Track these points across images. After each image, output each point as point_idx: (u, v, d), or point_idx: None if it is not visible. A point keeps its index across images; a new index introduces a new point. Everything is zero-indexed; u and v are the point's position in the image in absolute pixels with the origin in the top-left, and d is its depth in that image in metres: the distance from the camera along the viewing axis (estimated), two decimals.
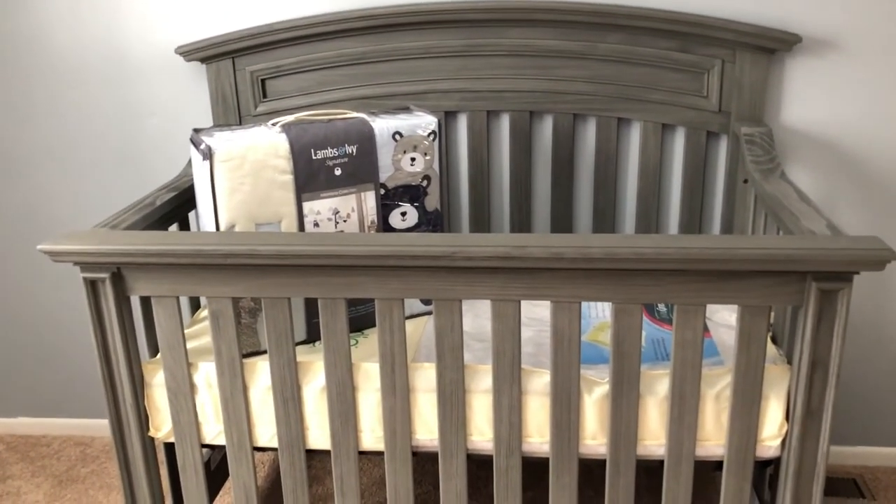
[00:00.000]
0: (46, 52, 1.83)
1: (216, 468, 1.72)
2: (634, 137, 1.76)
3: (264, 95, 1.78)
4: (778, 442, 1.27)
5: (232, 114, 1.78)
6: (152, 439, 1.42)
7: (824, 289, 1.14)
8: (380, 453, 1.37)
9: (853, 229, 1.74)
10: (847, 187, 1.73)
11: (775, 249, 1.12)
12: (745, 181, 1.65)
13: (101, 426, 2.15)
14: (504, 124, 1.78)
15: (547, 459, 1.33)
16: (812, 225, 1.21)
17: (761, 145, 1.57)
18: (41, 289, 2.04)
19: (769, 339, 1.39)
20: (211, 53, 1.73)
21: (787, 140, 1.71)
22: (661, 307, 1.58)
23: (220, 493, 1.84)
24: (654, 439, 1.31)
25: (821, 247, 1.12)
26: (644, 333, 1.47)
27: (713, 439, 1.30)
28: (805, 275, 1.15)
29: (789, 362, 1.32)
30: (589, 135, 1.77)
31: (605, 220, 1.79)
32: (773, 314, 1.49)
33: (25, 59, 1.85)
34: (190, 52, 1.74)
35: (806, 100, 1.69)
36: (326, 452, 1.39)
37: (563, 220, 1.81)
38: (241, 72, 1.75)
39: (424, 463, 1.85)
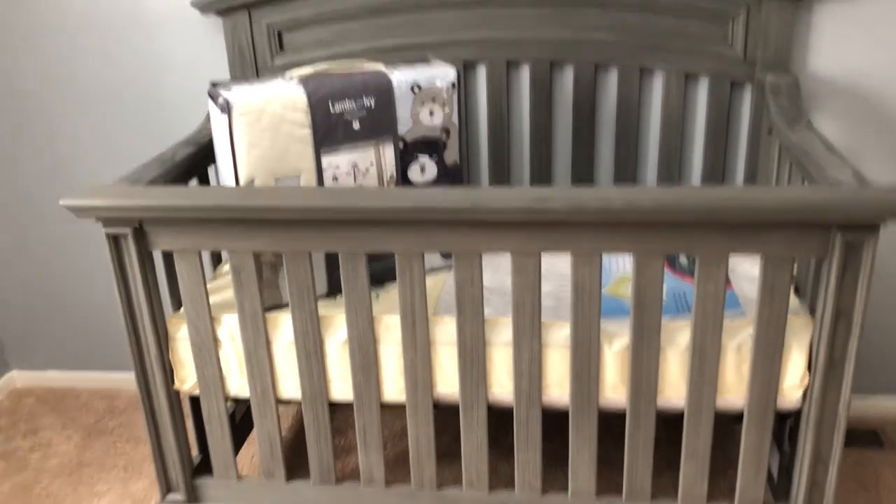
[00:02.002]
0: (63, 9, 1.82)
1: (241, 420, 1.76)
2: (657, 87, 1.73)
3: (281, 48, 1.76)
4: (799, 393, 1.27)
5: (249, 67, 1.76)
6: (177, 392, 1.44)
7: (849, 240, 1.13)
8: (401, 405, 1.39)
9: (881, 180, 1.71)
10: (874, 137, 1.70)
11: (800, 200, 1.11)
12: (770, 131, 1.62)
13: (127, 380, 2.18)
14: (524, 75, 1.76)
15: (567, 411, 1.34)
16: (838, 175, 1.19)
17: (787, 94, 1.54)
18: (67, 244, 2.06)
19: (792, 291, 1.38)
20: (227, 6, 1.71)
21: (813, 89, 1.67)
22: (683, 259, 1.57)
23: (245, 444, 1.88)
24: (674, 391, 1.31)
25: (847, 197, 1.10)
26: (665, 286, 1.47)
27: (733, 391, 1.30)
28: (830, 226, 1.13)
29: (812, 313, 1.31)
30: (611, 85, 1.74)
31: (627, 171, 1.77)
32: (796, 265, 1.47)
33: (43, 17, 1.84)
34: (206, 5, 1.72)
35: (833, 47, 1.64)
36: (349, 405, 1.40)
37: (583, 173, 1.79)
38: (258, 24, 1.73)
39: (445, 415, 1.86)
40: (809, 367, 1.26)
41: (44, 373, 2.24)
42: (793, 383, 1.27)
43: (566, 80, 1.75)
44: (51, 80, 1.90)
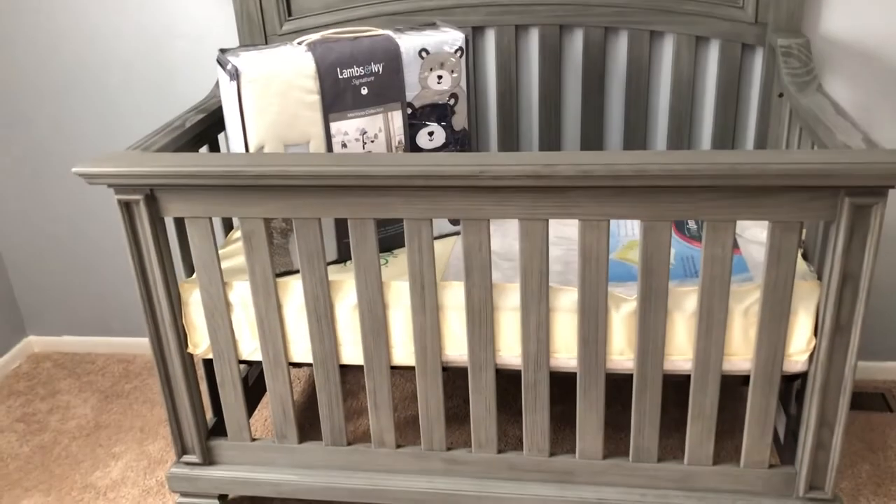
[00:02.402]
0: None
1: (254, 383, 1.78)
2: (667, 51, 1.72)
3: (289, 13, 1.75)
4: (805, 357, 1.28)
5: (258, 33, 1.76)
6: (191, 356, 1.46)
7: (858, 204, 1.13)
8: (411, 368, 1.41)
9: (893, 144, 1.70)
10: (886, 100, 1.68)
11: (808, 164, 1.10)
12: (781, 95, 1.61)
13: (141, 344, 2.22)
14: (533, 39, 1.75)
15: (575, 374, 1.35)
16: (848, 139, 1.19)
17: (798, 57, 1.52)
18: (82, 211, 2.08)
19: (799, 255, 1.38)
20: None
21: (825, 51, 1.66)
22: (691, 224, 1.57)
23: (258, 406, 1.91)
24: (680, 354, 1.32)
25: (855, 161, 1.10)
26: (673, 251, 1.48)
27: (740, 354, 1.31)
28: (838, 189, 1.13)
29: (819, 278, 1.32)
30: (620, 49, 1.73)
31: (637, 136, 1.76)
32: (804, 230, 1.47)
33: None
34: None
35: (846, 9, 1.62)
36: (359, 367, 1.42)
37: (593, 138, 1.78)
38: None
39: (455, 378, 1.89)
40: (816, 331, 1.26)
41: (60, 338, 2.28)
42: (799, 347, 1.27)
43: (575, 44, 1.74)
44: (61, 48, 1.90)
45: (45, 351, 2.29)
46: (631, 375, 1.34)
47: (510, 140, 1.81)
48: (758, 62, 1.69)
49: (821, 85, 1.44)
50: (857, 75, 1.67)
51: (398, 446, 1.47)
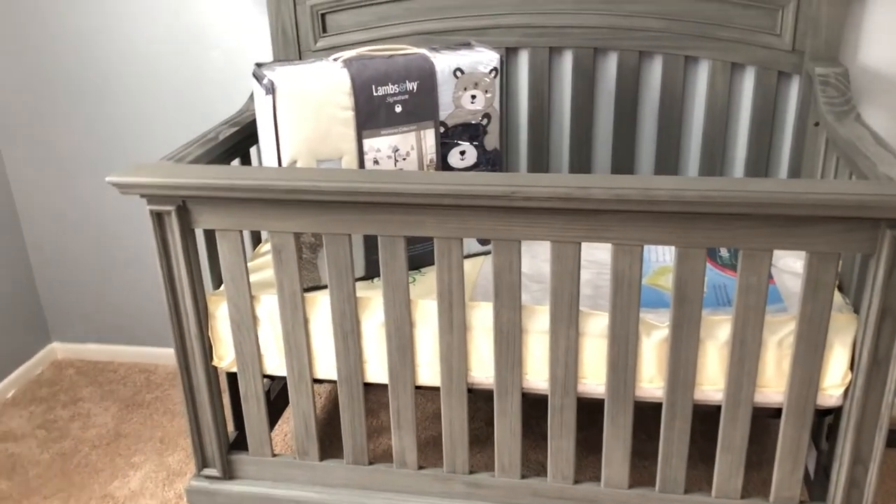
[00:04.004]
0: None
1: (275, 398, 1.78)
2: (702, 77, 1.71)
3: (324, 30, 1.76)
4: (840, 391, 1.25)
5: (292, 48, 1.77)
6: (215, 368, 1.46)
7: None
8: (435, 388, 1.39)
9: None
10: None
11: (849, 195, 1.08)
12: (817, 124, 1.59)
13: (164, 355, 2.22)
14: (567, 61, 1.74)
15: (601, 400, 1.33)
16: (889, 170, 1.17)
17: (836, 86, 1.51)
18: (109, 220, 2.10)
19: (835, 287, 1.36)
20: None
21: (863, 81, 1.64)
22: (724, 252, 1.55)
23: (279, 422, 1.91)
24: (711, 384, 1.30)
25: None
26: (706, 278, 1.45)
27: (773, 386, 1.28)
28: (879, 221, 1.11)
29: (855, 311, 1.29)
30: (655, 73, 1.72)
31: (668, 162, 1.75)
32: (840, 262, 1.45)
33: None
34: None
35: (886, 39, 1.60)
36: (382, 386, 1.41)
37: (624, 163, 1.77)
38: (302, 6, 1.74)
39: (476, 401, 1.87)
40: (852, 366, 1.24)
41: (84, 345, 2.29)
42: (834, 381, 1.25)
43: (609, 68, 1.73)
44: (96, 59, 1.92)
45: (67, 358, 2.30)
46: (658, 404, 1.32)
47: (540, 161, 1.80)
48: (794, 90, 1.67)
49: (859, 115, 1.42)
50: (892, 106, 1.65)
51: (420, 467, 1.46)
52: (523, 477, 1.42)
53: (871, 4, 1.59)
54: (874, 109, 1.65)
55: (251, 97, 1.69)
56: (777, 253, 1.52)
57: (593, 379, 1.33)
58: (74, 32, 1.90)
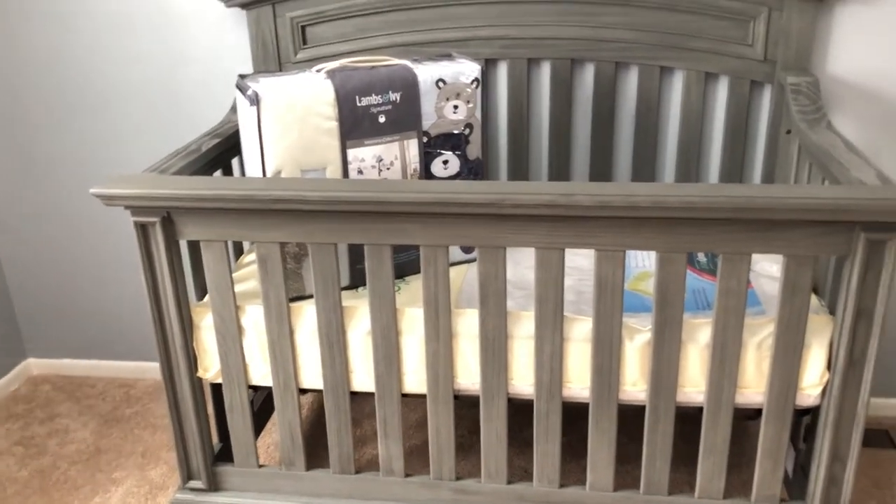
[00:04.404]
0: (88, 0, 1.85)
1: (259, 408, 1.77)
2: (677, 86, 1.74)
3: (304, 42, 1.77)
4: (818, 391, 1.28)
5: (272, 60, 1.78)
6: (200, 380, 1.46)
7: (873, 239, 1.14)
8: (421, 396, 1.40)
9: None
10: (891, 140, 1.71)
11: (825, 199, 1.12)
12: (789, 132, 1.63)
13: (143, 369, 2.20)
14: (545, 72, 1.77)
15: (585, 404, 1.35)
16: (862, 175, 1.21)
17: (807, 95, 1.55)
18: (85, 234, 2.08)
19: None
20: None
21: (833, 90, 1.68)
22: (702, 257, 1.58)
23: (262, 432, 1.90)
24: (693, 386, 1.32)
25: (872, 196, 1.11)
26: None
27: (753, 387, 1.31)
28: (853, 225, 1.15)
29: (831, 312, 1.33)
30: (630, 84, 1.75)
31: (645, 170, 1.78)
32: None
33: (68, 5, 1.85)
34: None
35: (854, 49, 1.65)
36: (366, 395, 1.42)
37: (602, 171, 1.80)
38: (282, 18, 1.75)
39: (459, 408, 1.88)
40: (829, 366, 1.27)
41: (60, 361, 2.26)
42: (812, 381, 1.28)
43: (586, 78, 1.76)
44: (76, 71, 1.91)
45: (44, 374, 2.27)
46: (640, 407, 1.34)
47: (520, 170, 1.82)
48: (766, 99, 1.71)
49: (830, 122, 1.47)
50: (862, 114, 1.70)
51: (407, 475, 1.46)
52: (509, 482, 1.43)
53: (839, 16, 1.64)
54: (843, 117, 1.70)
55: (233, 108, 1.69)
56: (754, 257, 1.56)
57: (578, 383, 1.34)
58: (55, 45, 1.89)
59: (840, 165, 1.26)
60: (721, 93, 1.73)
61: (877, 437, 1.88)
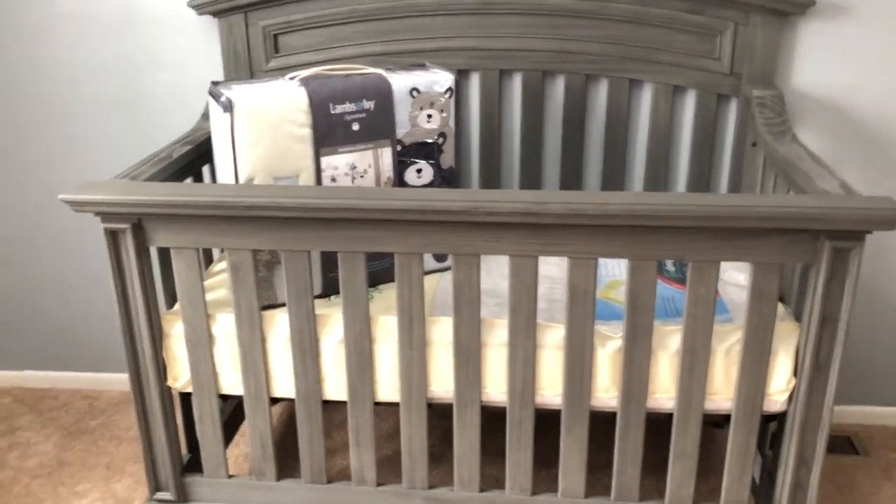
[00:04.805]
0: (59, 5, 1.82)
1: (228, 418, 1.75)
2: (645, 99, 1.77)
3: (276, 50, 1.77)
4: (785, 396, 1.31)
5: (243, 68, 1.77)
6: (169, 389, 1.44)
7: (837, 247, 1.17)
8: (393, 405, 1.40)
9: (862, 192, 1.76)
10: (855, 151, 1.76)
11: (791, 207, 1.14)
12: (754, 144, 1.67)
13: (108, 380, 2.17)
14: (516, 84, 1.79)
15: (557, 412, 1.36)
16: (826, 185, 1.24)
17: (772, 108, 1.59)
18: (46, 244, 2.04)
19: None
20: (223, 7, 1.72)
21: (797, 104, 1.73)
22: (670, 266, 1.60)
23: (231, 443, 1.88)
24: (664, 392, 1.34)
25: (836, 205, 1.14)
26: None
27: (721, 393, 1.33)
28: (819, 233, 1.17)
29: (797, 319, 1.35)
30: (600, 95, 1.78)
31: (615, 180, 1.81)
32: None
33: (38, 11, 1.83)
34: (202, 6, 1.73)
35: (817, 64, 1.70)
36: (337, 404, 1.41)
37: (572, 181, 1.82)
38: (254, 26, 1.74)
39: (431, 417, 1.88)
40: (795, 372, 1.30)
41: (21, 372, 2.21)
42: (780, 387, 1.30)
43: (557, 90, 1.79)
44: (45, 77, 1.89)
45: (4, 386, 2.22)
46: (610, 416, 1.36)
47: (492, 180, 1.83)
48: (732, 111, 1.75)
49: (795, 135, 1.50)
50: (826, 127, 1.74)
51: (379, 484, 1.46)
52: (482, 490, 1.43)
53: (802, 32, 1.68)
54: (807, 129, 1.74)
55: (204, 115, 1.68)
56: (722, 266, 1.58)
57: (550, 390, 1.35)
58: (24, 51, 1.87)
59: (805, 176, 1.29)
60: (689, 105, 1.77)
61: (839, 443, 1.92)
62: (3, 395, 2.18)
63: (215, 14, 1.74)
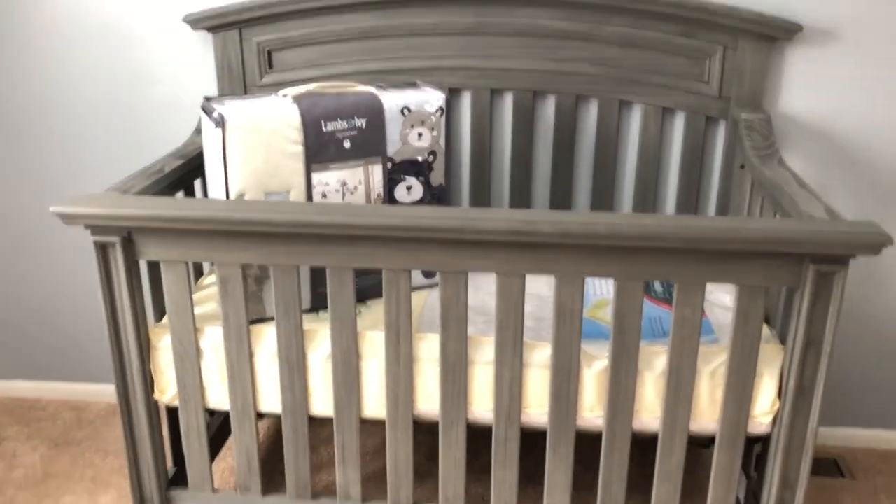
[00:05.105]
0: (53, 18, 1.83)
1: (215, 432, 1.75)
2: (635, 120, 1.79)
3: (270, 67, 1.79)
4: (770, 418, 1.32)
5: (237, 84, 1.78)
6: (156, 402, 1.44)
7: (821, 271, 1.18)
8: (379, 422, 1.40)
9: (847, 216, 1.78)
10: (841, 176, 1.78)
11: (776, 231, 1.16)
12: (742, 166, 1.68)
13: (96, 391, 2.16)
14: (507, 103, 1.81)
15: (542, 431, 1.36)
16: (811, 209, 1.25)
17: (760, 131, 1.60)
18: (35, 254, 2.04)
19: None
20: (218, 23, 1.74)
21: (784, 127, 1.75)
22: (658, 286, 1.61)
23: (217, 457, 1.87)
24: (649, 413, 1.35)
25: (820, 230, 1.15)
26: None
27: (707, 414, 1.34)
28: (803, 257, 1.19)
29: (782, 342, 1.36)
30: (591, 116, 1.80)
31: (604, 201, 1.82)
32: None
33: (32, 26, 1.84)
34: (197, 21, 1.74)
35: (804, 89, 1.72)
36: (323, 420, 1.41)
37: (562, 201, 1.83)
38: (248, 42, 1.76)
39: (416, 434, 1.88)
40: (780, 394, 1.30)
41: (9, 382, 2.21)
42: (764, 409, 1.31)
43: (548, 110, 1.80)
44: (39, 90, 1.89)
45: None
46: (595, 436, 1.36)
47: (482, 198, 1.85)
48: (721, 134, 1.77)
49: (782, 158, 1.52)
50: (812, 151, 1.76)
51: (364, 501, 1.46)
52: None
53: (790, 57, 1.70)
54: (794, 153, 1.76)
55: (197, 130, 1.69)
56: (708, 287, 1.59)
57: (536, 409, 1.36)
58: (18, 64, 1.87)
59: (791, 200, 1.30)
60: (678, 127, 1.79)
61: (825, 465, 1.92)
62: None
63: (210, 29, 1.75)
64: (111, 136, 1.91)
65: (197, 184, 1.63)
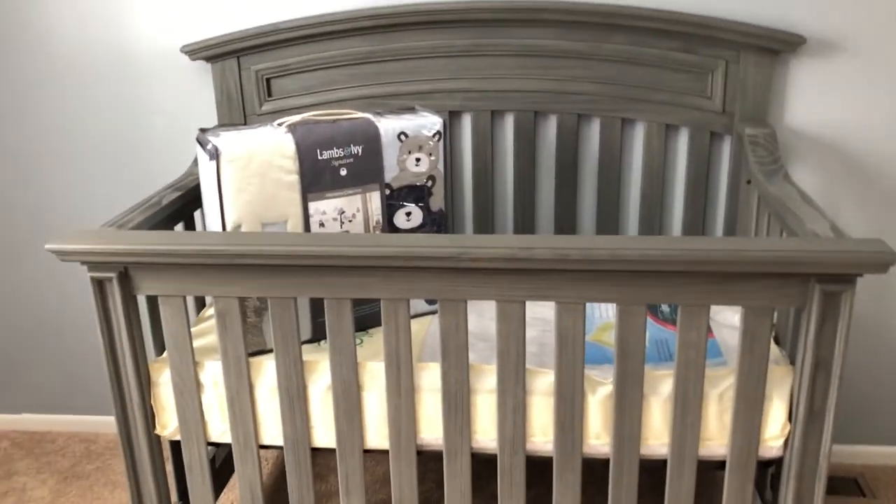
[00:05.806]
0: (51, 50, 1.84)
1: (221, 465, 1.73)
2: (638, 138, 1.77)
3: (269, 94, 1.78)
4: (780, 442, 1.28)
5: (237, 112, 1.78)
6: (158, 437, 1.42)
7: (828, 291, 1.15)
8: (383, 451, 1.38)
9: (855, 231, 1.75)
10: (849, 189, 1.74)
11: (780, 252, 1.13)
12: (749, 182, 1.65)
13: (105, 423, 2.16)
14: (508, 124, 1.79)
15: (550, 458, 1.34)
16: (816, 227, 1.22)
17: (765, 146, 1.58)
18: (46, 286, 2.05)
19: (771, 340, 1.40)
20: (216, 52, 1.74)
21: (789, 142, 1.72)
22: (665, 307, 1.58)
23: (225, 490, 1.86)
24: (657, 439, 1.31)
25: (825, 249, 1.12)
26: (647, 334, 1.48)
27: (716, 439, 1.30)
28: (809, 277, 1.16)
29: (792, 363, 1.33)
30: (593, 135, 1.78)
31: (609, 221, 1.80)
32: (775, 315, 1.49)
33: (31, 57, 1.85)
34: (195, 51, 1.74)
35: (809, 101, 1.69)
36: (330, 450, 1.39)
37: (566, 222, 1.81)
38: (247, 71, 1.76)
39: (426, 461, 1.86)
40: (790, 417, 1.27)
41: (19, 416, 2.21)
42: (774, 432, 1.28)
43: (549, 130, 1.78)
44: (38, 121, 1.90)
45: (2, 429, 2.21)
46: (606, 460, 1.33)
47: (485, 222, 1.83)
48: (726, 150, 1.74)
49: (787, 173, 1.49)
50: (819, 165, 1.73)
51: None
52: None
53: (794, 70, 1.68)
54: (800, 168, 1.73)
55: (195, 161, 1.69)
56: (715, 308, 1.56)
57: (541, 437, 1.33)
58: (16, 95, 1.89)
59: (795, 217, 1.28)
60: (682, 144, 1.76)
61: (845, 484, 1.88)
62: (1, 439, 2.18)
63: (208, 59, 1.76)
64: (112, 169, 1.92)
65: (197, 215, 1.63)
